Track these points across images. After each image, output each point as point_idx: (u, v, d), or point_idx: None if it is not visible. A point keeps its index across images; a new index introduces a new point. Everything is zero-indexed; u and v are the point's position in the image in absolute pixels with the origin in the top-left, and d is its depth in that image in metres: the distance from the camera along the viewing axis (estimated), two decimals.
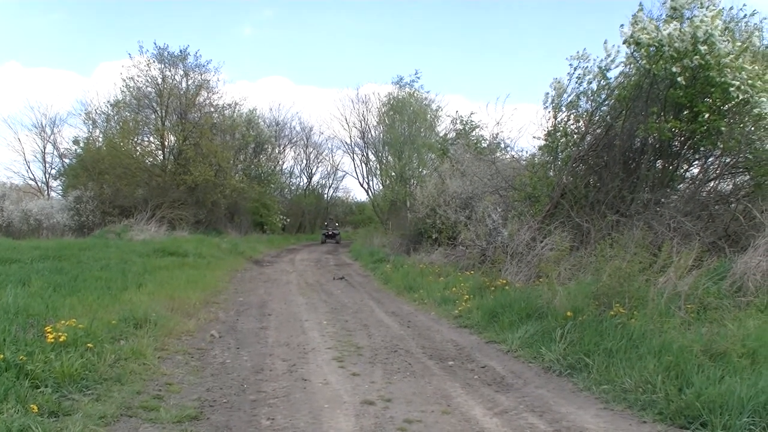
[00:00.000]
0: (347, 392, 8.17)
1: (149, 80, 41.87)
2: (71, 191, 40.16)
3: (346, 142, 62.17)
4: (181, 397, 7.76)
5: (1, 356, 7.28)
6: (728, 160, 16.76)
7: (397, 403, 7.73)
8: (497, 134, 27.91)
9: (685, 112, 16.07)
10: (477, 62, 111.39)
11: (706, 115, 15.17)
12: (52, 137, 51.85)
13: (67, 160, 47.91)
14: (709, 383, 7.12)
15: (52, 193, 50.27)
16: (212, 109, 45.03)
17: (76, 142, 45.35)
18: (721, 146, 16.00)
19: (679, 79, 14.93)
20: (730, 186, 17.41)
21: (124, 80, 41.55)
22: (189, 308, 13.79)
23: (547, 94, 18.53)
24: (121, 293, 14.03)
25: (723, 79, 14.67)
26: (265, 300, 16.86)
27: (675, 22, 15.07)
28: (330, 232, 54.06)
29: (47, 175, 52.55)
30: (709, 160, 17.46)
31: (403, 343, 11.39)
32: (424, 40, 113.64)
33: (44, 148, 52.06)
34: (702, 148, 16.86)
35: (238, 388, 8.33)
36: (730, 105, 15.45)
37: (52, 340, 8.27)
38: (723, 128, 15.22)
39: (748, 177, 16.56)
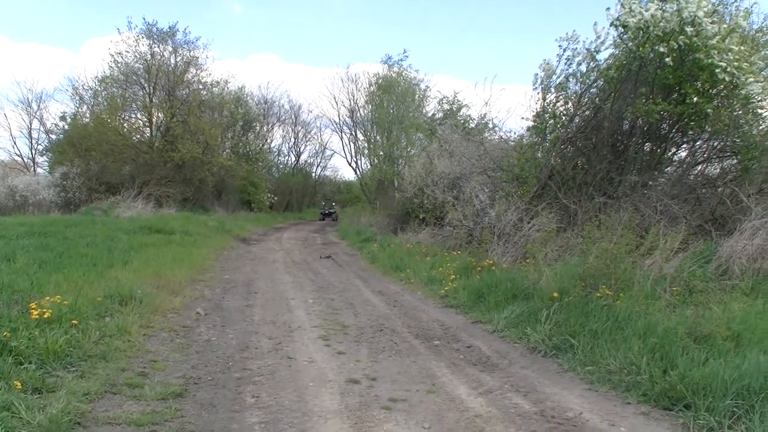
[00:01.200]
0: (332, 371, 8.18)
1: (137, 56, 41.64)
2: (58, 167, 39.99)
3: (334, 121, 62.50)
4: (165, 375, 7.75)
5: None
6: (716, 143, 16.83)
7: (382, 381, 7.74)
8: (485, 114, 27.95)
9: (674, 95, 16.08)
10: (467, 43, 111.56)
11: (695, 98, 15.16)
12: (38, 113, 51.77)
13: (53, 136, 47.77)
14: (694, 365, 7.15)
15: (39, 170, 50.22)
16: (200, 87, 44.84)
17: (63, 118, 45.16)
18: (709, 130, 16.03)
19: (666, 59, 14.93)
20: (718, 170, 17.48)
21: (112, 56, 41.31)
22: (175, 286, 13.74)
23: (537, 75, 18.50)
24: (107, 270, 13.98)
25: (710, 61, 14.67)
26: (252, 278, 16.84)
27: (659, 2, 15.05)
28: (327, 211, 57.46)
29: (33, 151, 52.47)
30: (697, 143, 17.53)
31: (389, 323, 11.41)
32: (414, 20, 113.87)
33: (30, 124, 51.96)
34: (690, 132, 16.92)
35: (223, 365, 8.32)
36: (718, 88, 15.47)
37: (37, 317, 8.23)
38: (710, 111, 15.23)
39: (735, 161, 16.62)
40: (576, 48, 17.50)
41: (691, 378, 6.86)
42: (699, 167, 17.77)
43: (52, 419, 5.84)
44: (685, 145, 18.03)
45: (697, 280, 11.09)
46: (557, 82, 18.27)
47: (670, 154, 18.05)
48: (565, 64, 17.81)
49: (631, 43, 16.05)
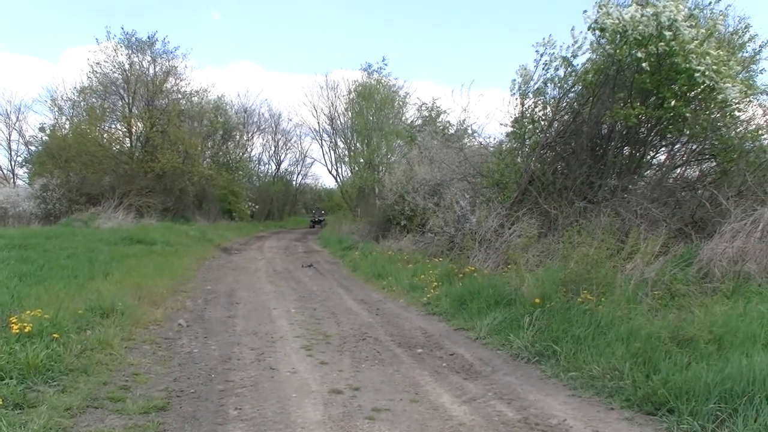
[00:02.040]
0: (315, 381, 8.16)
1: (116, 66, 41.51)
2: (37, 179, 39.76)
3: (314, 129, 62.29)
4: (148, 388, 7.70)
5: None
6: (694, 146, 16.91)
7: (366, 391, 7.73)
8: (464, 120, 28.04)
9: (652, 99, 16.15)
10: (447, 48, 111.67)
11: (672, 102, 15.24)
12: (17, 124, 51.51)
13: (33, 148, 47.56)
14: (676, 370, 7.17)
15: (18, 181, 49.93)
16: (180, 96, 44.77)
17: (42, 129, 44.99)
18: (688, 133, 16.12)
19: (644, 64, 15.01)
20: (697, 172, 17.59)
21: (91, 66, 41.19)
22: (156, 297, 13.69)
23: (514, 80, 18.52)
24: (88, 282, 13.92)
25: (688, 65, 14.75)
26: (234, 288, 16.79)
27: (637, 6, 15.10)
28: (317, 218, 60.24)
29: (13, 163, 52.19)
30: (676, 146, 17.63)
31: (372, 331, 11.40)
32: (394, 26, 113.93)
33: (9, 136, 51.72)
34: (669, 135, 16.99)
35: (205, 377, 8.29)
36: (696, 91, 15.55)
37: (17, 331, 8.20)
38: (688, 115, 15.31)
39: (714, 164, 16.74)
40: (553, 53, 17.54)
41: (674, 382, 6.88)
42: (678, 170, 17.87)
43: None
44: (663, 149, 18.12)
45: (679, 284, 11.12)
46: (535, 87, 18.30)
47: (649, 157, 18.13)
48: (543, 69, 17.85)
49: (609, 47, 16.11)
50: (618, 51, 15.49)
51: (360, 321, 12.44)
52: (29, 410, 6.50)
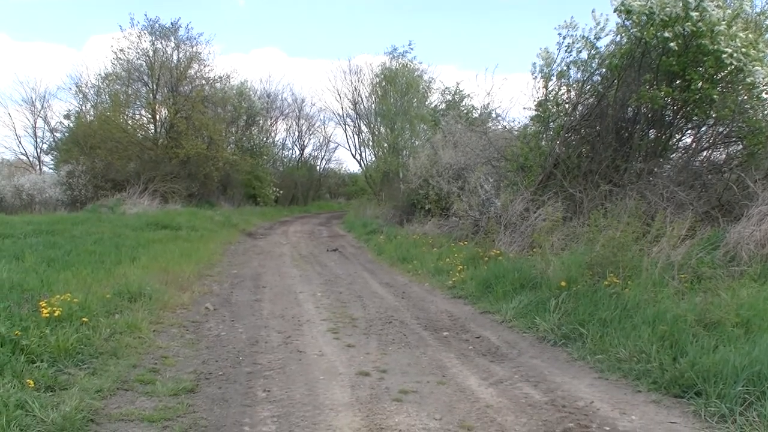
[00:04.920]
0: (342, 363, 8.20)
1: (140, 53, 41.44)
2: (63, 166, 39.84)
3: (338, 114, 61.83)
4: (176, 370, 7.78)
5: None
6: (721, 129, 16.79)
7: (393, 374, 7.77)
8: (488, 104, 27.91)
9: (678, 81, 16.05)
10: (470, 32, 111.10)
11: (699, 84, 15.14)
12: (42, 112, 51.59)
13: (58, 135, 47.74)
14: (704, 352, 7.15)
15: (44, 168, 50.07)
16: (204, 82, 44.67)
17: (67, 116, 45.12)
18: (714, 115, 16.01)
19: (671, 44, 14.90)
20: (723, 155, 17.44)
21: (115, 53, 41.14)
22: (183, 281, 13.75)
23: (534, 64, 18.45)
24: (115, 267, 14.03)
25: (716, 47, 14.64)
26: (259, 272, 16.84)
27: None
28: None
29: (39, 150, 52.33)
30: (702, 129, 17.48)
31: (398, 314, 11.43)
32: (418, 11, 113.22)
33: (35, 123, 51.78)
34: (695, 118, 16.85)
35: (233, 360, 8.34)
36: (723, 74, 15.43)
37: (47, 315, 8.27)
38: (715, 97, 15.21)
39: (741, 146, 16.59)
40: (576, 35, 17.48)
41: (701, 365, 6.87)
42: (704, 153, 17.73)
43: (65, 417, 5.87)
44: (690, 132, 17.99)
45: (705, 267, 11.07)
46: (558, 70, 18.23)
47: (675, 140, 18.01)
48: (566, 51, 17.78)
49: (634, 29, 16.01)
50: (646, 33, 15.38)
51: (386, 304, 12.46)
52: (61, 392, 6.58)
